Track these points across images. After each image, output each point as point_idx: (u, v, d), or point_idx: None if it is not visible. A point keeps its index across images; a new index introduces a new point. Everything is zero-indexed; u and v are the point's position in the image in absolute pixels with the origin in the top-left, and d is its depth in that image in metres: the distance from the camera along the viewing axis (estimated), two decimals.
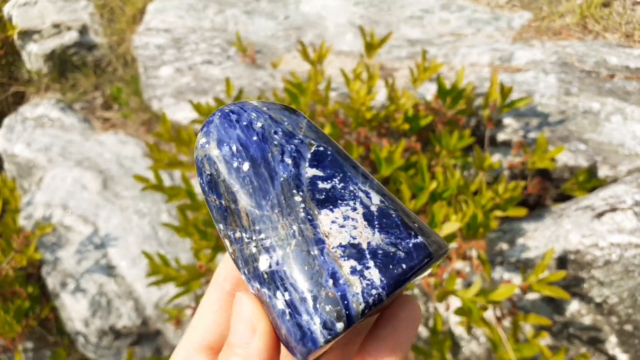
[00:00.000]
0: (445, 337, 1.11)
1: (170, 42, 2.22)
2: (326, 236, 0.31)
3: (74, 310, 1.65)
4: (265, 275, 0.31)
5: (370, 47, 1.45)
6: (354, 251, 0.30)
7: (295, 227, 0.31)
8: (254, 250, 0.31)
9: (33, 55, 2.55)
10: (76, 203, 1.88)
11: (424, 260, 0.30)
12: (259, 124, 0.34)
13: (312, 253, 0.30)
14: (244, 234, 0.32)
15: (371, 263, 0.30)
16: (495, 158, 1.42)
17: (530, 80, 1.56)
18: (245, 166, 0.33)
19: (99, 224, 1.80)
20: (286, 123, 0.35)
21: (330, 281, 0.29)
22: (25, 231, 1.76)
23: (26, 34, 2.57)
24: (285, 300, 0.30)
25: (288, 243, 0.31)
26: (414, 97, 1.40)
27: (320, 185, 0.32)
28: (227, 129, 0.34)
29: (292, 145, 0.34)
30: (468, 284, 1.23)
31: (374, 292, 0.29)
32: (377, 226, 0.31)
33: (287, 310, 0.30)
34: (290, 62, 2.00)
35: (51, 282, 1.72)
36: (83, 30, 2.56)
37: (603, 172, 1.29)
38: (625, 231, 1.02)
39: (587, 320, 1.06)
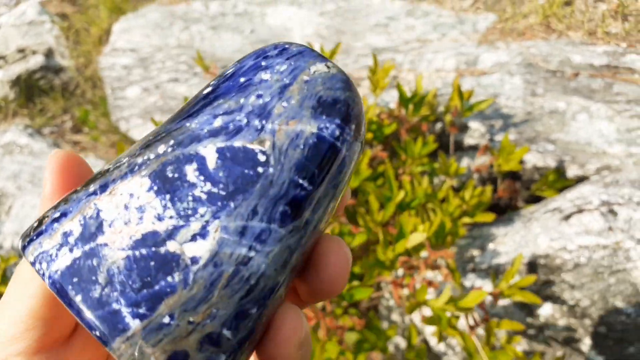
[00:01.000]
0: (421, 349, 1.09)
1: (137, 62, 2.19)
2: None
3: None
4: None
5: None
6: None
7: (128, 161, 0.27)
8: None
9: None
10: None
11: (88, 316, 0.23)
12: (269, 75, 0.27)
13: None
14: None
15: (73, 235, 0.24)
16: (463, 163, 1.40)
17: (495, 83, 1.55)
18: (207, 91, 0.28)
19: None
20: (293, 101, 0.26)
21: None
22: None
23: None
24: None
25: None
26: (377, 105, 1.38)
27: (181, 161, 0.25)
28: (251, 55, 0.29)
29: (248, 120, 0.25)
30: (440, 293, 1.21)
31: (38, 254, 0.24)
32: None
33: None
34: None
35: None
36: (49, 54, 2.52)
37: (572, 171, 1.28)
38: (593, 232, 1.00)
39: (561, 323, 1.04)
